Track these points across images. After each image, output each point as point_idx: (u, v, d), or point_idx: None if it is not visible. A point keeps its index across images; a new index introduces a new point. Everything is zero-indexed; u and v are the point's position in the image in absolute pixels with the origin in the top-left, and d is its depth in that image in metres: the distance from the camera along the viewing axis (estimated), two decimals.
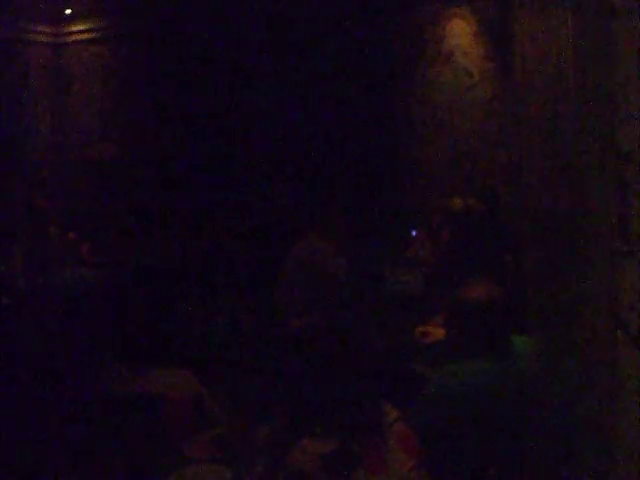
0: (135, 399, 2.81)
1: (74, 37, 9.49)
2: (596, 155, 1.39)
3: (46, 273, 5.89)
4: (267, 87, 7.89)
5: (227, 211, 7.24)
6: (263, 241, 6.40)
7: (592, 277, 1.42)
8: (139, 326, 3.61)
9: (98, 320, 4.12)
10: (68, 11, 9.13)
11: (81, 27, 9.40)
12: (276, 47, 7.75)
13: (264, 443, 2.53)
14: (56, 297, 5.38)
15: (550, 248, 1.90)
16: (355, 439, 2.15)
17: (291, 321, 4.81)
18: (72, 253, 6.40)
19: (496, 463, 2.51)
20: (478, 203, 5.44)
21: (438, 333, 3.67)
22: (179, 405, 2.90)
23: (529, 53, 2.95)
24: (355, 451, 2.13)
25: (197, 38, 8.16)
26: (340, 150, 7.52)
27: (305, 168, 7.65)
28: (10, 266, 5.80)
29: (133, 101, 9.06)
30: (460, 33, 6.99)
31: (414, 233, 6.37)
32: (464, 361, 2.64)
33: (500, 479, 2.49)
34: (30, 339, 4.59)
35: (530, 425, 2.34)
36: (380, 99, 7.49)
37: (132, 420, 2.65)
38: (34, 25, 9.24)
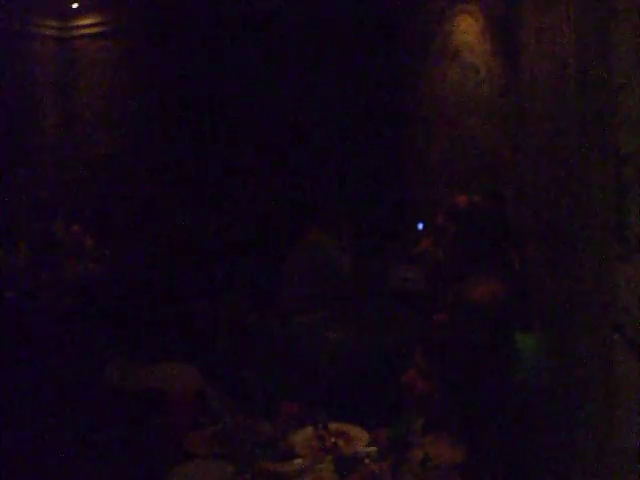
0: (137, 393, 2.82)
1: (80, 31, 9.50)
2: (596, 156, 1.39)
3: (53, 267, 5.92)
4: (272, 81, 7.88)
5: (231, 206, 7.24)
6: (267, 236, 6.40)
7: (589, 279, 1.42)
8: (143, 320, 3.63)
9: (103, 314, 4.14)
10: (75, 5, 9.14)
11: (88, 21, 9.42)
12: (281, 43, 7.74)
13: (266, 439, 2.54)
14: (64, 292, 5.41)
15: (550, 248, 1.90)
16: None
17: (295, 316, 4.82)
18: (76, 246, 6.42)
19: (499, 461, 2.51)
20: (483, 200, 5.43)
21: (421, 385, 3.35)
22: (182, 400, 2.91)
23: (535, 50, 2.94)
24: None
25: (202, 31, 8.15)
26: (346, 146, 7.52)
27: (311, 164, 7.65)
28: (15, 260, 5.82)
29: (140, 95, 9.06)
30: (467, 29, 6.97)
31: (420, 226, 6.36)
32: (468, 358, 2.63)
33: (503, 477, 2.49)
34: (34, 334, 4.61)
35: (534, 424, 2.34)
36: (387, 95, 7.48)
37: (134, 414, 2.66)
38: (41, 19, 9.26)
